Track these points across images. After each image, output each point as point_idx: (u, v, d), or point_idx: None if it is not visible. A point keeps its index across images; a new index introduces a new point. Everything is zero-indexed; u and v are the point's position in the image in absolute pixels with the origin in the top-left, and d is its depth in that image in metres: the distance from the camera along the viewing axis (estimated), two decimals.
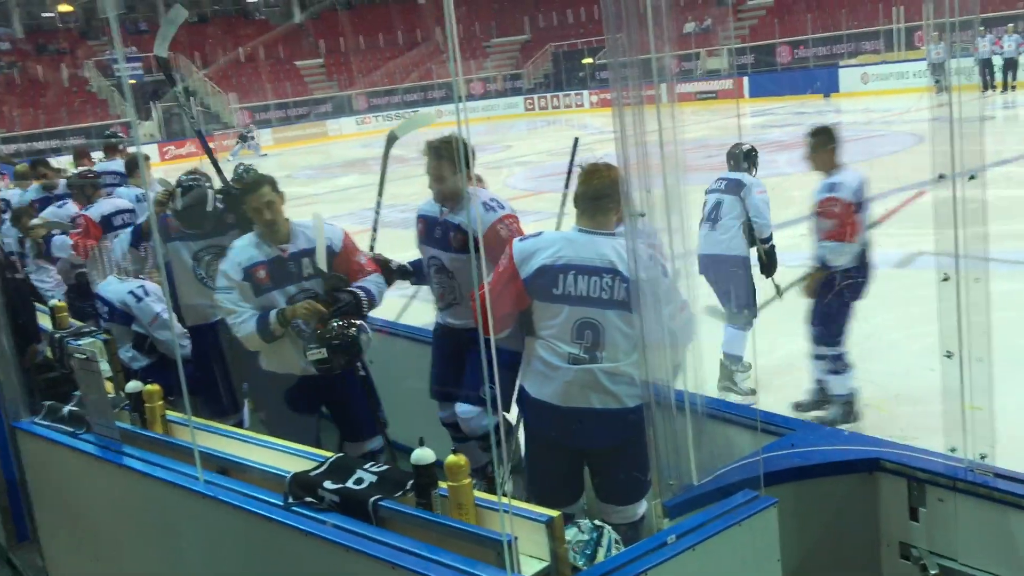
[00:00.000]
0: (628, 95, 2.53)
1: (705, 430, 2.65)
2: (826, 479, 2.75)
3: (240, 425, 4.67)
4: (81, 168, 7.52)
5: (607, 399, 3.10)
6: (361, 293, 3.88)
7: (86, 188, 6.58)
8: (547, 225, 3.50)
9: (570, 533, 2.50)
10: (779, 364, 6.03)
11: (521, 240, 3.25)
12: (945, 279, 2.41)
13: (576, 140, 4.17)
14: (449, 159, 3.79)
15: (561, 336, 3.11)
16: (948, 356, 2.44)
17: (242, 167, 4.99)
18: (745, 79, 30.24)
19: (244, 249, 3.91)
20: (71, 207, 6.68)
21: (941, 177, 2.35)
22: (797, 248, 9.62)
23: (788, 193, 12.70)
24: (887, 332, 6.77)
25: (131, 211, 6.36)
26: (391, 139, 4.46)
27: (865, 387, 5.44)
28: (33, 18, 37.94)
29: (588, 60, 35.59)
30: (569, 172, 4.08)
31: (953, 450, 2.50)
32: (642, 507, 3.31)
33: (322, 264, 3.86)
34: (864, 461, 2.71)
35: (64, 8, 37.39)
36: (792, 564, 2.54)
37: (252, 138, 29.57)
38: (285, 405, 3.99)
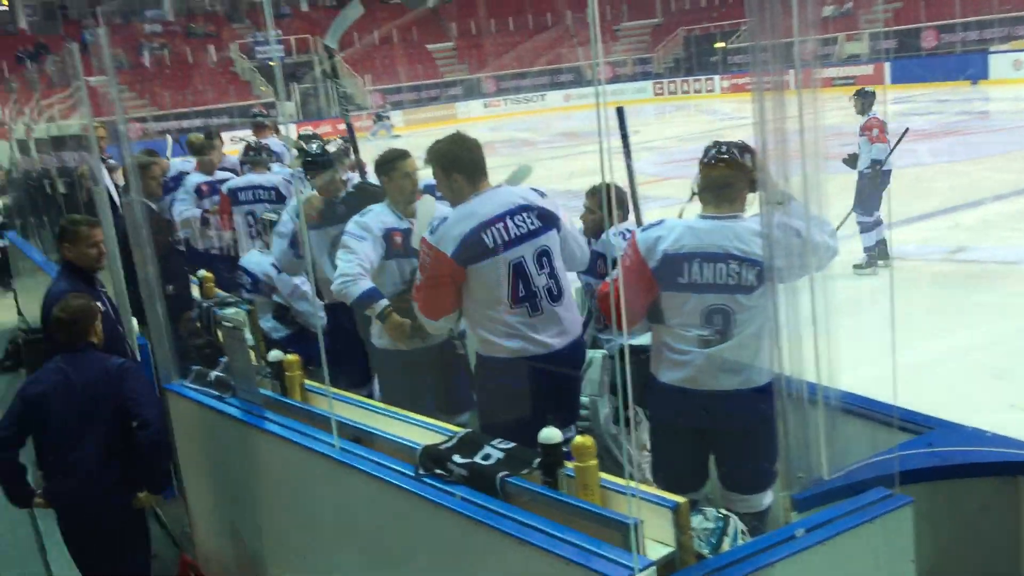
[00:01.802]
0: (768, 80, 2.48)
1: (838, 424, 2.59)
2: (965, 481, 2.65)
3: (371, 397, 4.82)
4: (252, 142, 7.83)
5: (737, 380, 3.09)
6: None
7: (265, 162, 6.86)
8: (674, 212, 3.45)
9: (695, 520, 2.49)
10: (919, 362, 5.82)
11: (644, 230, 3.23)
12: None
13: (620, 110, 3.99)
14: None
15: (690, 323, 3.10)
16: None
17: (316, 144, 5.03)
18: (886, 64, 29.00)
19: (384, 213, 4.16)
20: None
21: None
22: (938, 241, 9.27)
23: (929, 184, 12.20)
24: None
25: (263, 188, 6.51)
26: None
27: (1013, 388, 5.19)
28: (183, 1, 39.76)
29: (720, 44, 34.79)
30: (625, 144, 3.91)
31: None
32: (768, 498, 3.27)
33: (416, 243, 3.95)
34: (1007, 464, 2.60)
35: None
36: (924, 567, 2.46)
37: (388, 118, 30.27)
38: (395, 379, 4.20)
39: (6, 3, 37.51)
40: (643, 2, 40.47)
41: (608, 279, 3.31)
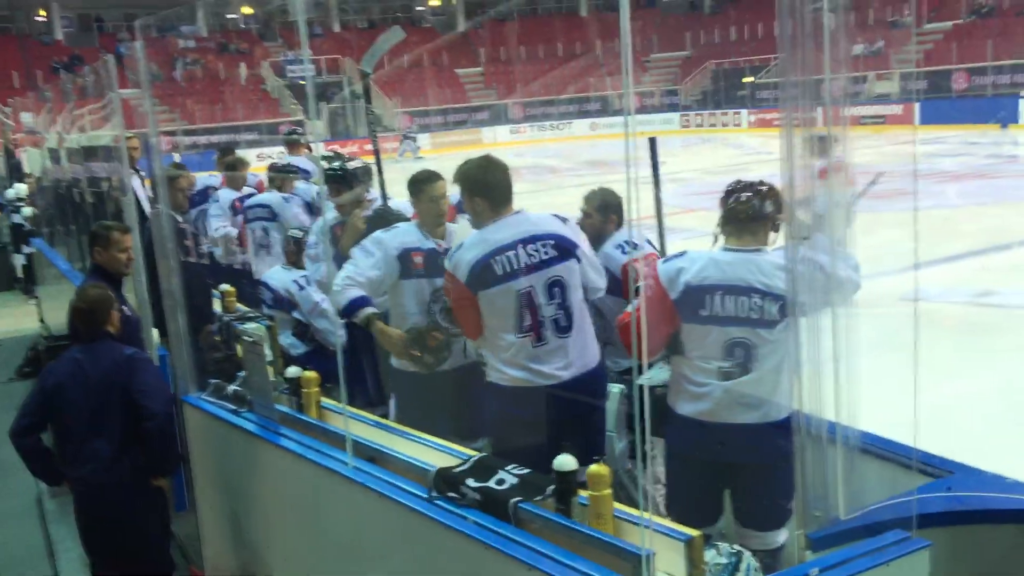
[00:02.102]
0: (797, 116, 2.48)
1: (856, 464, 2.56)
2: (985, 527, 2.61)
3: (386, 417, 4.82)
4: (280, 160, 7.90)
5: (756, 414, 3.07)
6: None
7: (276, 180, 6.92)
8: (698, 244, 3.44)
9: (708, 555, 2.46)
10: (941, 405, 5.76)
11: (665, 261, 3.21)
12: None
13: (653, 140, 3.95)
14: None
15: (711, 355, 3.08)
16: None
17: (337, 162, 5.09)
18: (916, 105, 28.95)
19: (408, 232, 4.12)
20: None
21: None
22: (965, 284, 9.19)
23: (957, 226, 12.12)
24: None
25: (261, 206, 6.62)
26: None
27: None
28: (217, 18, 40.33)
29: (749, 79, 34.88)
30: (655, 174, 3.88)
31: None
32: (782, 536, 3.23)
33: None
34: None
35: (247, 10, 39.59)
36: None
37: (414, 139, 30.51)
38: (412, 401, 4.15)
39: (44, 14, 38.19)
40: (673, 34, 40.67)
41: (629, 309, 3.29)
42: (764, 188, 3.12)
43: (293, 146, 8.82)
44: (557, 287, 3.50)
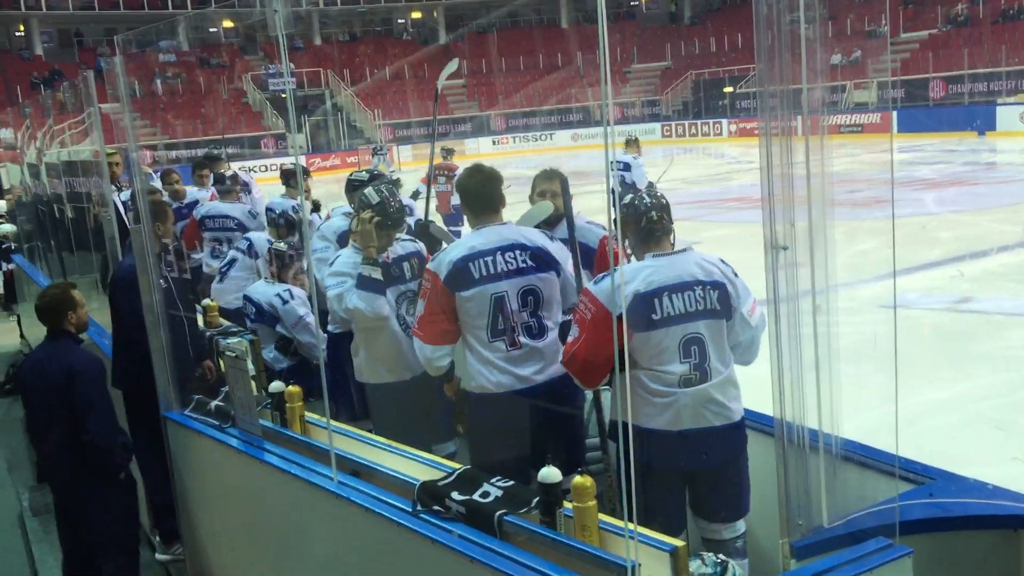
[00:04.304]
0: (776, 125, 2.50)
1: (838, 472, 2.58)
2: (966, 533, 2.63)
3: (370, 431, 4.80)
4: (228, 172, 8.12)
5: (720, 416, 3.13)
6: None
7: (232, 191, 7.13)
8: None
9: (693, 565, 2.47)
10: (921, 412, 5.80)
11: (596, 282, 3.21)
12: None
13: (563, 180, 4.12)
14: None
15: (668, 359, 3.09)
16: None
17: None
18: (893, 113, 29.19)
19: (351, 255, 4.07)
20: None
21: None
22: (942, 291, 9.27)
23: (934, 233, 12.22)
24: None
25: (227, 217, 6.94)
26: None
27: (1014, 441, 5.16)
28: (197, 32, 40.21)
29: (729, 89, 35.09)
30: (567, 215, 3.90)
31: None
32: (743, 521, 3.27)
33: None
34: (1008, 517, 2.58)
35: (228, 24, 39.50)
36: None
37: (384, 153, 30.36)
38: (384, 412, 4.16)
39: (23, 29, 37.97)
40: (653, 46, 40.90)
41: (570, 339, 3.26)
42: (664, 198, 3.26)
43: (214, 161, 9.16)
44: (532, 296, 3.54)
